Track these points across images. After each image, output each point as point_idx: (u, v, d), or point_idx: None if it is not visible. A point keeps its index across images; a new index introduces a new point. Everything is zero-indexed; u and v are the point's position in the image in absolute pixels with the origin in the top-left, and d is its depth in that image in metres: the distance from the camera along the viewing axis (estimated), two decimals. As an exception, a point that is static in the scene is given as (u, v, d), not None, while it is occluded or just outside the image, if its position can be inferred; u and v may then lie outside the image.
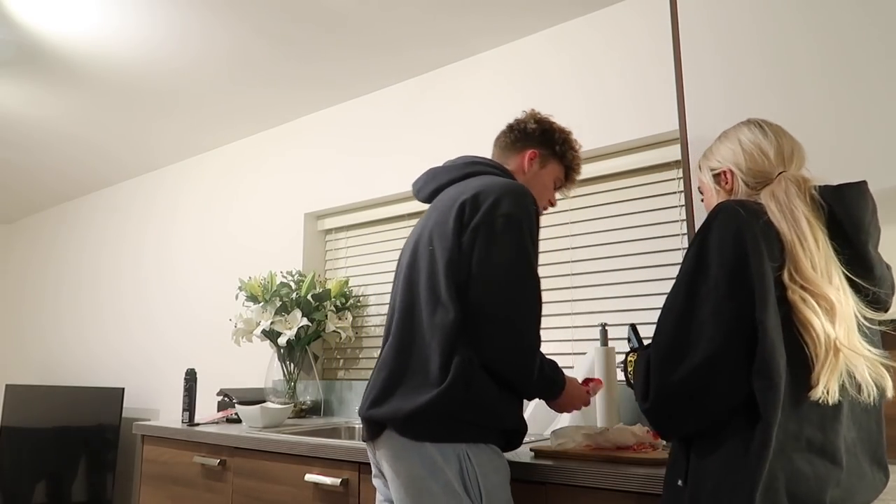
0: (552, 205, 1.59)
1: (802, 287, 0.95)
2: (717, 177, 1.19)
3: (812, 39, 1.46)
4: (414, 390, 1.26)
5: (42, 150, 3.53)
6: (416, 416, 1.24)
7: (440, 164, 1.56)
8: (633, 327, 1.48)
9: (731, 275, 0.96)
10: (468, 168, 1.47)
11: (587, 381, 1.54)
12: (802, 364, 0.94)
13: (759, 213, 1.02)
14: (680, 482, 0.99)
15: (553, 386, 1.35)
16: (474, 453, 1.26)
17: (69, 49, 2.41)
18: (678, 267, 1.97)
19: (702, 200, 1.28)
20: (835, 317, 0.94)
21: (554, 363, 1.36)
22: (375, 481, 1.44)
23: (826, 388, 0.92)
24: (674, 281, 1.04)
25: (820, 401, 0.93)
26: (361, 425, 1.43)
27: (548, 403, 1.41)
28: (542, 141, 1.53)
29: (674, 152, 1.99)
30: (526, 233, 1.30)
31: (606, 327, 1.79)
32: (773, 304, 0.94)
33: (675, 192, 2.01)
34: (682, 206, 1.94)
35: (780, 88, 1.46)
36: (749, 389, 0.92)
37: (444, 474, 1.23)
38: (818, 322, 0.93)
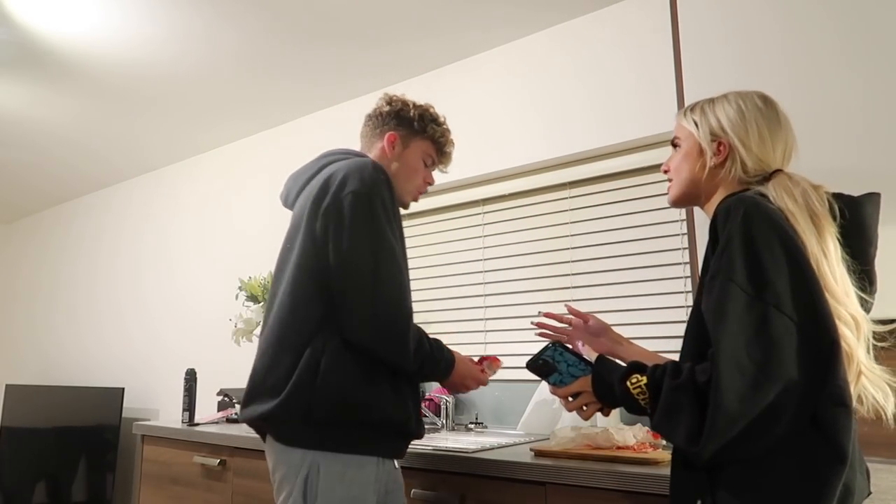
0: (429, 183, 1.54)
1: (834, 299, 0.91)
2: (713, 144, 1.08)
3: (813, 38, 1.46)
4: (269, 390, 1.26)
5: (41, 151, 3.53)
6: (269, 418, 1.25)
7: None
8: (557, 345, 1.16)
9: (793, 288, 0.88)
10: (321, 161, 1.46)
11: (482, 359, 1.47)
12: None
13: (778, 211, 0.95)
14: (700, 502, 0.91)
15: (438, 364, 1.31)
16: (327, 462, 1.22)
17: (69, 49, 2.41)
18: (678, 267, 1.96)
19: (675, 146, 1.15)
20: (860, 335, 0.91)
21: (438, 341, 1.33)
22: None
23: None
24: (714, 284, 0.92)
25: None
26: None
27: (441, 384, 1.38)
28: (399, 122, 1.49)
29: (674, 152, 1.99)
30: (377, 206, 1.27)
31: (606, 327, 1.78)
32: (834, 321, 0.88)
33: (675, 192, 2.01)
34: (682, 205, 1.94)
35: (781, 88, 1.46)
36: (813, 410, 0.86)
37: (293, 481, 1.23)
38: (852, 338, 0.90)
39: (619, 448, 1.43)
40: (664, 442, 1.54)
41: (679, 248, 1.97)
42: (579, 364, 1.11)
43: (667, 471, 1.23)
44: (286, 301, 1.30)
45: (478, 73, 2.48)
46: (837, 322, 0.89)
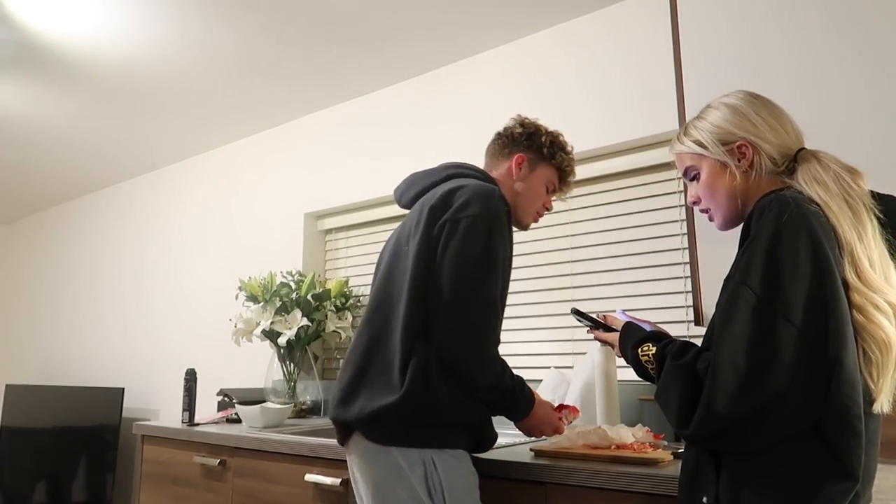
0: (547, 209, 1.57)
1: (868, 288, 0.88)
2: (731, 152, 1.04)
3: (814, 38, 1.46)
4: (379, 390, 1.26)
5: (42, 151, 3.53)
6: (380, 417, 1.24)
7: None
8: (577, 311, 1.44)
9: (807, 300, 0.85)
10: (446, 172, 1.47)
11: (561, 406, 1.50)
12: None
13: (817, 211, 0.91)
14: (705, 499, 0.91)
15: (517, 401, 1.33)
16: (440, 459, 1.25)
17: (69, 49, 2.41)
18: (678, 267, 1.96)
19: (691, 178, 1.11)
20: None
21: (521, 379, 1.34)
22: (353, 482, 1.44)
23: (886, 399, 0.88)
24: (728, 284, 0.92)
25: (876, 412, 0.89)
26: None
27: (516, 423, 1.39)
28: (530, 145, 1.52)
29: (674, 152, 1.99)
30: (494, 234, 1.30)
31: (606, 327, 1.79)
32: (850, 337, 0.86)
33: (675, 192, 2.01)
34: (682, 206, 1.94)
35: (782, 88, 1.46)
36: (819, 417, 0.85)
37: (408, 480, 1.23)
38: (889, 326, 0.87)
39: (618, 448, 1.43)
40: (665, 442, 1.54)
41: (679, 249, 1.97)
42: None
43: (667, 471, 1.24)
44: (401, 305, 1.29)
45: (477, 73, 2.48)
46: (870, 308, 0.87)
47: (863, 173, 0.97)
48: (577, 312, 1.44)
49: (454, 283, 1.25)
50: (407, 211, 1.51)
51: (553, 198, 1.59)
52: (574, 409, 1.52)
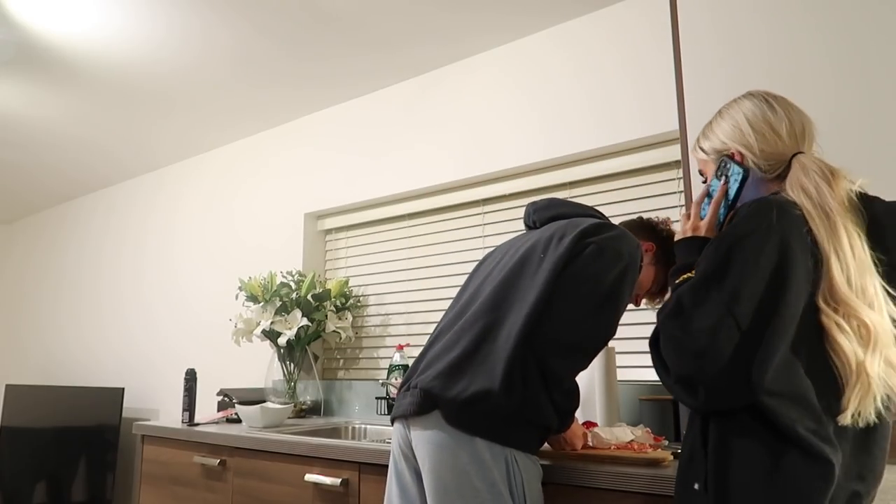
0: (635, 304, 1.56)
1: (835, 310, 0.91)
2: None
3: (814, 38, 1.46)
4: (485, 377, 1.24)
5: (42, 150, 3.53)
6: (475, 403, 1.22)
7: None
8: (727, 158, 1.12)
9: (759, 302, 0.90)
10: (592, 211, 1.50)
11: (587, 423, 1.57)
12: (834, 390, 0.91)
13: (800, 218, 0.94)
14: (697, 486, 0.95)
15: (570, 414, 1.37)
16: (521, 459, 1.25)
17: (69, 49, 2.41)
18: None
19: (704, 182, 1.17)
20: (869, 341, 0.90)
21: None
22: (394, 461, 1.39)
23: (857, 412, 0.89)
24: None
25: (851, 425, 0.90)
26: (404, 396, 1.35)
27: (551, 435, 1.39)
28: (664, 245, 1.53)
29: (674, 152, 1.99)
30: (628, 276, 1.32)
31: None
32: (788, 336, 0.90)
33: (675, 193, 2.01)
34: (682, 206, 1.94)
35: (782, 88, 1.46)
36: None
37: (491, 473, 1.21)
38: (849, 346, 0.89)
39: (618, 448, 1.43)
40: (666, 442, 1.54)
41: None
42: (733, 185, 1.08)
43: (666, 471, 1.24)
44: (524, 306, 1.29)
45: (476, 74, 2.48)
46: (834, 330, 0.90)
47: (843, 174, 0.98)
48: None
49: (578, 310, 1.28)
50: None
51: (633, 300, 1.56)
52: (596, 425, 1.59)
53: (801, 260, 0.91)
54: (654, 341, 1.00)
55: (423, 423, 1.28)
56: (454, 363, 1.28)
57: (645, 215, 1.61)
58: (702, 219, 1.12)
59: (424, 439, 1.27)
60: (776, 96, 1.10)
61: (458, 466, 1.22)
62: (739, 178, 1.07)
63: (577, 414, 1.73)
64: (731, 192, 1.08)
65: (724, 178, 1.10)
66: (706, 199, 1.13)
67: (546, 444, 1.47)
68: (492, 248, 1.57)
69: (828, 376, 0.91)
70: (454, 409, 1.24)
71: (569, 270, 1.29)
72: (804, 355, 0.91)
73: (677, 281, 1.05)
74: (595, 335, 1.31)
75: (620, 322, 1.35)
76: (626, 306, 1.35)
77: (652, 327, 1.06)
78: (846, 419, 0.89)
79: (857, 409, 0.89)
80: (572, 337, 1.27)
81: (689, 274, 1.02)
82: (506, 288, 1.35)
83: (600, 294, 1.28)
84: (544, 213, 1.52)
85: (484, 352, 1.28)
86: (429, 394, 1.27)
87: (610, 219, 1.50)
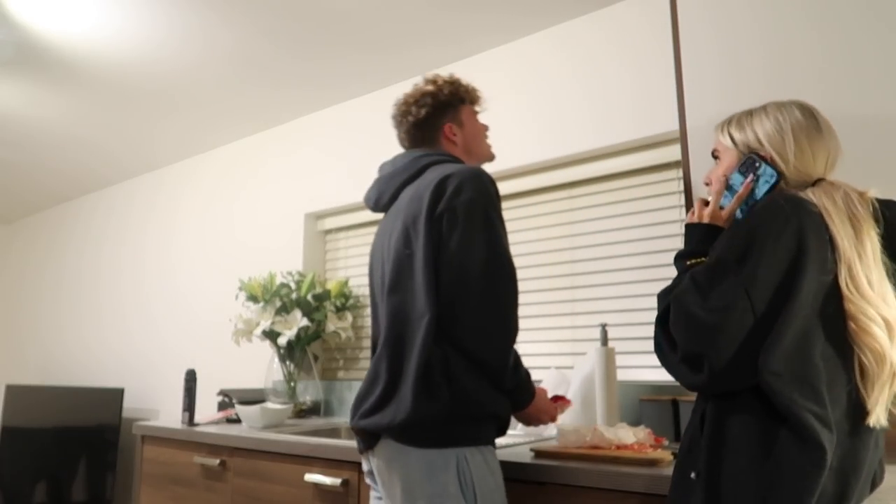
0: (486, 129, 1.58)
1: (863, 298, 0.92)
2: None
3: (814, 39, 1.46)
4: (405, 398, 1.25)
5: (42, 150, 3.53)
6: (414, 425, 1.24)
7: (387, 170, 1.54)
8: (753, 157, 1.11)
9: (775, 289, 0.91)
10: (419, 162, 1.45)
11: (556, 398, 1.52)
12: (846, 383, 0.91)
13: (817, 215, 0.96)
14: (693, 475, 0.96)
15: (525, 391, 1.35)
16: (472, 456, 1.25)
17: (69, 49, 2.41)
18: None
19: (716, 158, 1.17)
20: (893, 337, 0.91)
21: (527, 371, 1.35)
22: (369, 479, 1.44)
23: (882, 412, 0.90)
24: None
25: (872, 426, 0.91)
26: (355, 437, 1.42)
27: (515, 415, 1.39)
28: (443, 111, 1.50)
29: (673, 152, 1.99)
30: (492, 216, 1.29)
31: (606, 327, 1.79)
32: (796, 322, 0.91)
33: (674, 193, 2.01)
34: (682, 206, 1.94)
35: (782, 89, 1.46)
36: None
37: (441, 476, 1.23)
38: (884, 338, 0.90)
39: (618, 448, 1.43)
40: (665, 442, 1.54)
41: (678, 249, 1.96)
42: (763, 186, 1.08)
43: (666, 471, 1.24)
44: (412, 303, 1.29)
45: (476, 75, 2.48)
46: (861, 316, 0.91)
47: (870, 194, 1.00)
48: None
49: (467, 278, 1.25)
50: (381, 215, 1.50)
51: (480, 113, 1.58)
52: (566, 401, 1.52)
53: (817, 251, 0.92)
54: (662, 318, 1.01)
55: (377, 450, 1.33)
56: (381, 396, 1.30)
57: (409, 116, 1.52)
58: (721, 208, 1.12)
59: (378, 464, 1.33)
60: (825, 118, 1.10)
61: (410, 476, 1.25)
62: (772, 181, 1.07)
63: (577, 413, 1.74)
64: (759, 193, 1.08)
65: (750, 175, 1.09)
66: (726, 192, 1.13)
67: (521, 426, 1.48)
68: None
69: (841, 368, 0.92)
70: (395, 433, 1.27)
71: (442, 258, 1.27)
72: (818, 345, 0.92)
73: (688, 263, 1.06)
74: (502, 302, 1.27)
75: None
76: (505, 235, 1.32)
77: (652, 327, 1.06)
78: (875, 420, 0.90)
79: (886, 408, 0.90)
80: (485, 316, 1.25)
81: (701, 259, 1.04)
82: (398, 308, 1.33)
83: (476, 260, 1.25)
84: (385, 198, 1.49)
85: (403, 374, 1.28)
86: (366, 431, 1.33)
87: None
